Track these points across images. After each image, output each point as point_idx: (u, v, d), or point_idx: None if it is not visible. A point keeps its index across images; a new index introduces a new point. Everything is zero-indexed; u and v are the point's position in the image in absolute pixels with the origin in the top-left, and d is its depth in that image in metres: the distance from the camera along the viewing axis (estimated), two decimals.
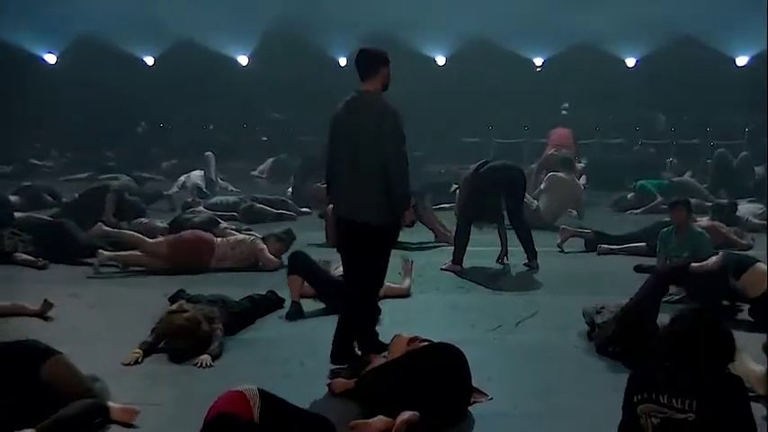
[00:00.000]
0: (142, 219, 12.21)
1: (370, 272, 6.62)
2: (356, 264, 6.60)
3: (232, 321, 7.30)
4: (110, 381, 5.73)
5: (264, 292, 8.35)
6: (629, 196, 15.43)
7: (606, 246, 11.11)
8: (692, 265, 7.82)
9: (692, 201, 13.00)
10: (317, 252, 9.30)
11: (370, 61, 6.61)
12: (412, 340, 5.99)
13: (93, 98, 22.14)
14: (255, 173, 20.78)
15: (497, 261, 10.53)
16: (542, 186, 13.63)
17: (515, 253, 10.53)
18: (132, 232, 10.43)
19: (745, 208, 13.22)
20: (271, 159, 20.92)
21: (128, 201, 12.69)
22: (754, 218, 12.86)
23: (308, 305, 8.23)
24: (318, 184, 12.24)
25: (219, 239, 10.15)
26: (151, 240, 10.05)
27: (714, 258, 7.93)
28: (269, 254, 10.09)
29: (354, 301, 6.68)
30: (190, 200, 13.97)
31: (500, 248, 10.57)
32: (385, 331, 6.85)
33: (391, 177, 6.31)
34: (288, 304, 8.13)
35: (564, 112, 19.75)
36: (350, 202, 6.46)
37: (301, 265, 8.23)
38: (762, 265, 7.78)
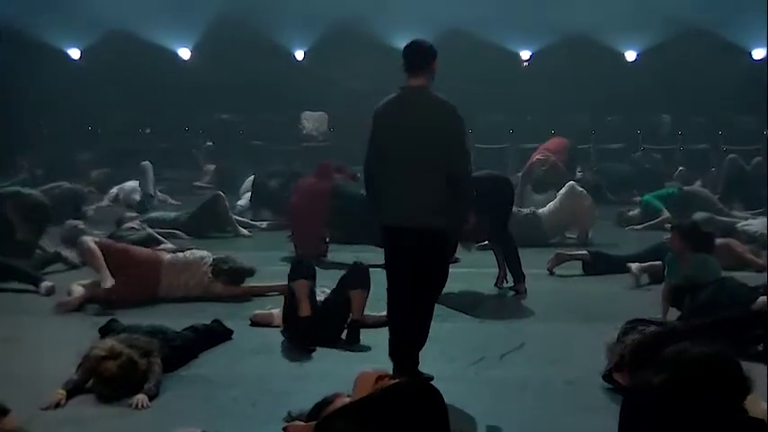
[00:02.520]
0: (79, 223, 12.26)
1: (435, 282, 7.00)
2: (406, 275, 6.87)
3: (173, 355, 7.28)
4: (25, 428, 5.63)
5: (209, 322, 8.34)
6: (630, 213, 15.45)
7: (636, 264, 10.84)
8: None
9: (704, 214, 13.22)
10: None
11: (423, 54, 6.96)
12: (381, 377, 5.98)
13: (3, 97, 21.86)
14: (203, 183, 20.65)
15: (496, 285, 10.53)
16: (560, 192, 13.82)
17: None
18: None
19: (761, 222, 13.26)
20: (212, 167, 20.80)
21: (33, 204, 12.44)
22: None
23: (264, 336, 8.22)
24: None
25: (169, 269, 9.90)
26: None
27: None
28: (229, 288, 10.01)
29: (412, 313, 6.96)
30: (131, 215, 13.91)
31: (497, 270, 10.59)
32: (351, 367, 6.85)
33: (458, 178, 6.76)
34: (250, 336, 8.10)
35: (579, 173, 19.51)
36: (408, 208, 6.74)
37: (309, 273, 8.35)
38: (764, 298, 7.80)
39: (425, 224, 6.71)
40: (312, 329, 8.03)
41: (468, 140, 6.97)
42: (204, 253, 10.28)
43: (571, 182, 13.95)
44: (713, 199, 15.58)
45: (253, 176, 16.71)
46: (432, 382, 5.79)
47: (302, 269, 8.41)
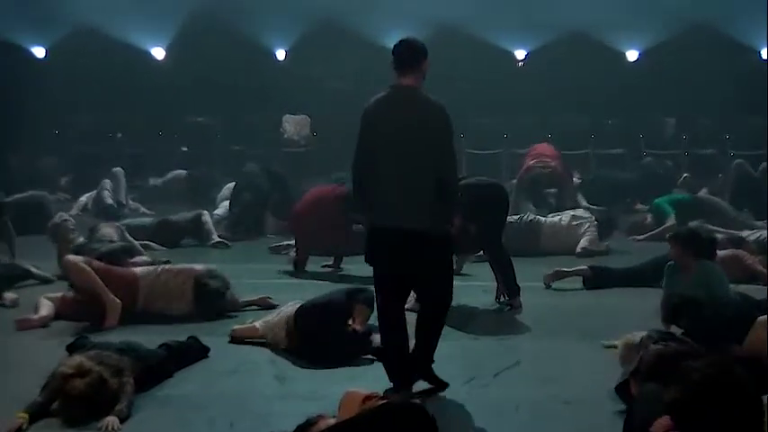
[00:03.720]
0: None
1: (440, 285, 7.27)
2: (394, 278, 7.19)
3: (146, 374, 7.26)
4: None
5: (185, 339, 8.33)
6: (646, 221, 15.45)
7: None
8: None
9: (695, 222, 13.28)
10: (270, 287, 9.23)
11: (412, 53, 7.26)
12: (368, 398, 5.99)
13: None
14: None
15: (496, 300, 10.51)
16: (572, 212, 14.20)
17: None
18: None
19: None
20: (183, 173, 20.59)
21: None
22: None
23: (243, 353, 8.23)
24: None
25: (145, 293, 9.70)
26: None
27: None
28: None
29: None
30: (107, 226, 13.84)
31: (495, 284, 10.54)
32: (336, 386, 6.85)
33: (445, 179, 7.04)
34: None
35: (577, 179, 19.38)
36: (398, 209, 7.04)
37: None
38: (764, 318, 7.75)
39: (414, 225, 6.95)
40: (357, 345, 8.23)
41: (455, 142, 7.21)
42: (185, 275, 9.93)
43: (586, 212, 14.05)
44: (727, 208, 15.50)
45: (234, 183, 16.66)
46: (422, 402, 5.79)
47: (368, 299, 8.37)
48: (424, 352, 7.29)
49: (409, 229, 6.96)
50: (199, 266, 10.15)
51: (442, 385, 7.35)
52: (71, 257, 9.92)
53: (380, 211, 7.13)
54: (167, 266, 10.19)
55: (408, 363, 7.23)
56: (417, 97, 7.17)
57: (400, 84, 7.20)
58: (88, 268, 9.47)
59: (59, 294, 9.67)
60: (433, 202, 6.99)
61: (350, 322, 8.27)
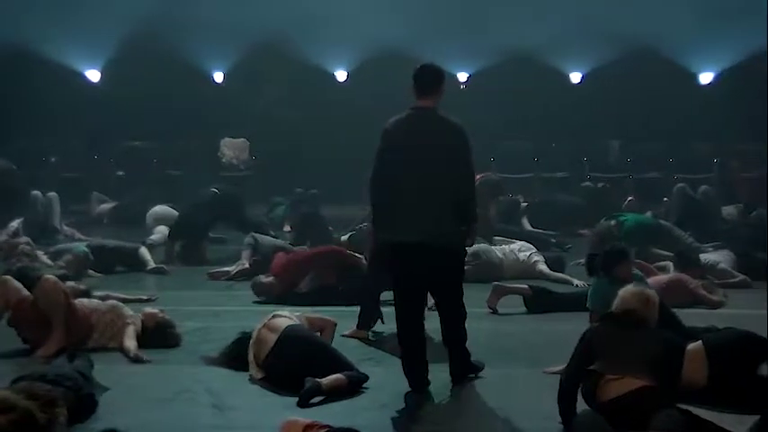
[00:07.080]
0: None
1: (457, 298, 8.10)
2: (416, 290, 7.94)
3: (81, 405, 7.14)
4: None
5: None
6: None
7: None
8: None
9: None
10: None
11: (433, 77, 8.03)
12: (308, 427, 6.00)
13: None
14: None
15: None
16: (522, 245, 14.29)
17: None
18: None
19: (714, 257, 13.42)
20: (109, 206, 20.39)
21: None
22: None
23: (183, 380, 8.21)
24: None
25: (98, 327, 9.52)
26: None
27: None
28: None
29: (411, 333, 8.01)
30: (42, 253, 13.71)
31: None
32: (277, 415, 6.85)
33: (463, 196, 7.78)
34: None
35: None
36: (418, 226, 7.66)
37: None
38: (694, 345, 7.80)
39: (434, 241, 7.59)
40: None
41: (472, 159, 7.91)
42: (132, 329, 9.52)
43: (535, 252, 14.11)
44: (682, 235, 15.43)
45: (165, 206, 16.64)
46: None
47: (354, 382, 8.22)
48: (461, 355, 8.19)
49: (429, 245, 7.61)
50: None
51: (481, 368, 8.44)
52: (53, 277, 9.58)
53: (401, 227, 7.74)
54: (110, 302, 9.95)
55: (425, 366, 8.01)
56: (436, 117, 7.88)
57: (420, 105, 7.90)
58: (64, 295, 9.32)
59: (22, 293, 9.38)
60: (451, 217, 7.63)
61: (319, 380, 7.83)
